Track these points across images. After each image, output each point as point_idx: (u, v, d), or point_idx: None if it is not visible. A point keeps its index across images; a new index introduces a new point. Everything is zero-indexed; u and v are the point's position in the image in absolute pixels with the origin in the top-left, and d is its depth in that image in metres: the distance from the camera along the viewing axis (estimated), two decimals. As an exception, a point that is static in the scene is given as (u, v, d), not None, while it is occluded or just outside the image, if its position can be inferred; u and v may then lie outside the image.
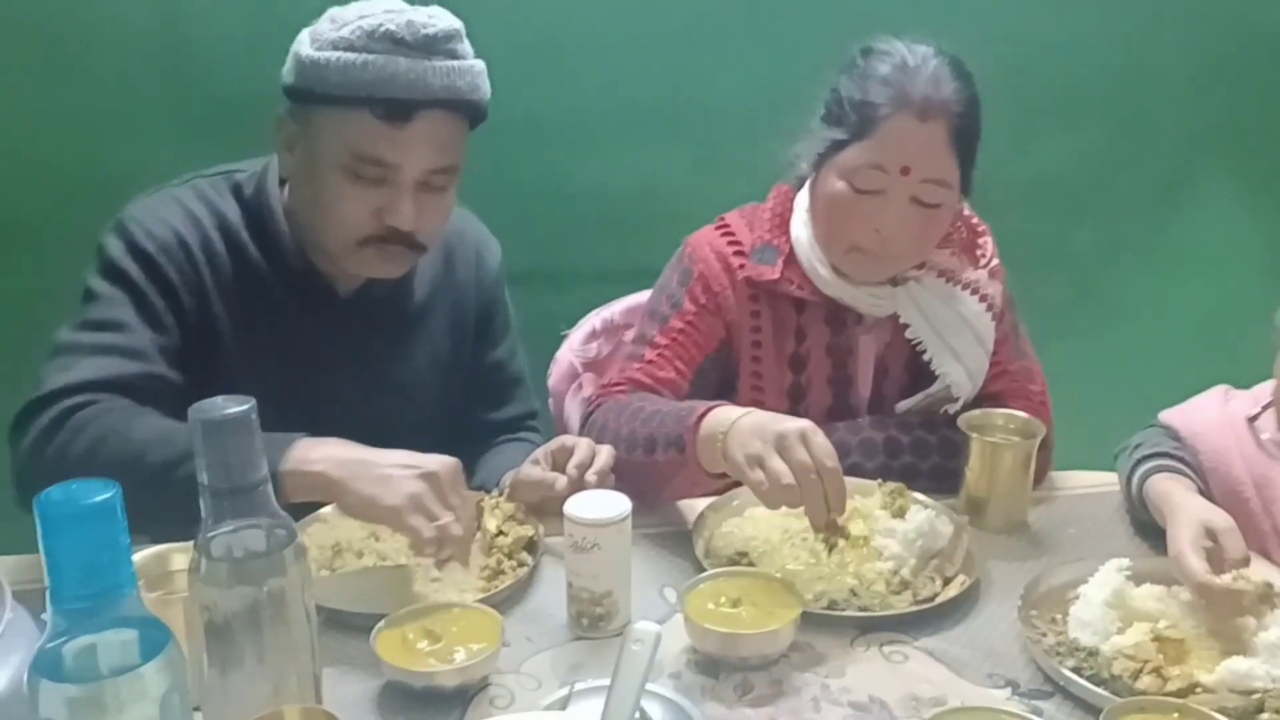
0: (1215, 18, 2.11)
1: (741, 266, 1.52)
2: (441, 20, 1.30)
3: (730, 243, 1.54)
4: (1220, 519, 1.16)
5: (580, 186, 2.02)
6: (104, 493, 0.70)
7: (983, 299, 1.50)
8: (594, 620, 1.16)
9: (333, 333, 1.47)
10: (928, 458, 1.47)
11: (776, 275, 1.50)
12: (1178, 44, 2.11)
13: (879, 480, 1.36)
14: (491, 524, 1.32)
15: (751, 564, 1.25)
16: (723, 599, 1.14)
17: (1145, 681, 1.02)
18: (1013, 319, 1.58)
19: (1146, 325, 2.19)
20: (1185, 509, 1.19)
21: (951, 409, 1.48)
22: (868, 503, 1.32)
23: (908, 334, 1.50)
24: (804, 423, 1.20)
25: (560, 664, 1.11)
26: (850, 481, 1.34)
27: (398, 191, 1.33)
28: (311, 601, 0.91)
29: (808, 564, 1.24)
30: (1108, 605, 1.11)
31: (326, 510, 1.33)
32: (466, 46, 1.33)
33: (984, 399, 1.51)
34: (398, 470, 1.18)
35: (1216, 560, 1.13)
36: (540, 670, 1.10)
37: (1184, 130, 2.17)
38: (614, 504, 1.15)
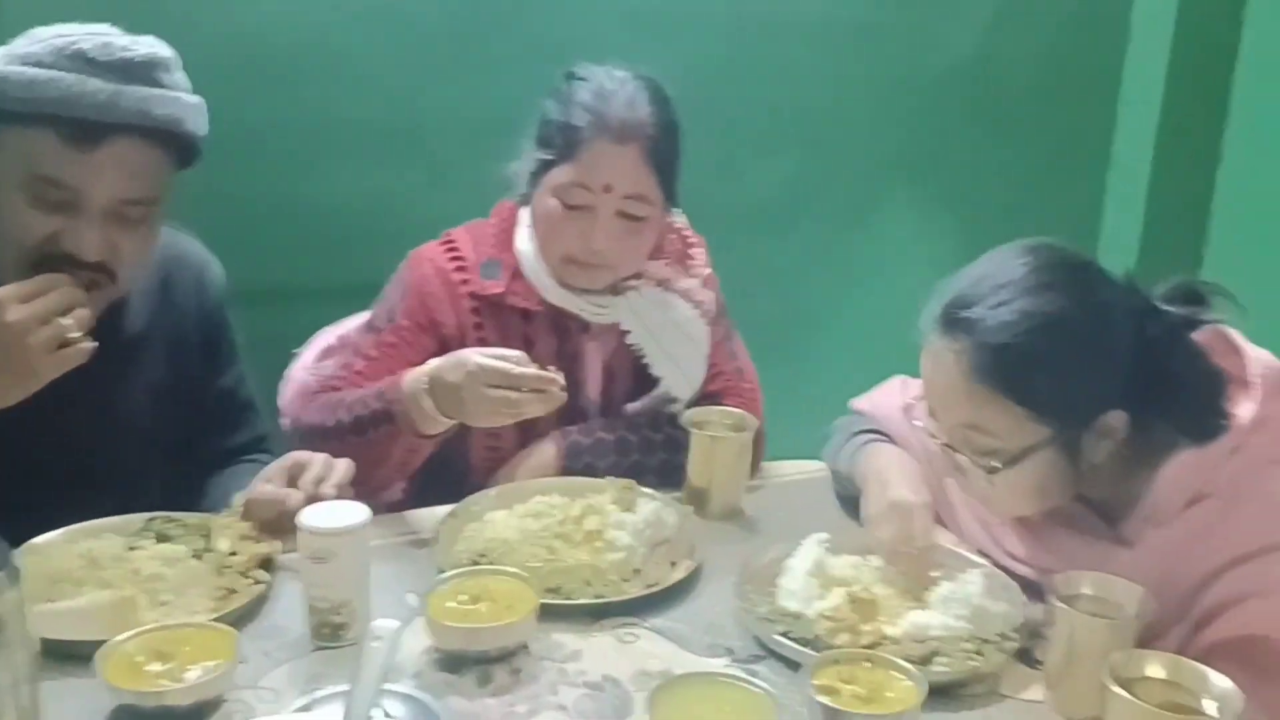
0: (892, 57, 2.38)
1: (464, 282, 1.57)
2: (146, 47, 1.28)
3: (454, 258, 1.59)
4: (909, 495, 1.32)
5: (309, 203, 2.01)
6: None
7: (696, 306, 1.62)
8: (334, 629, 1.16)
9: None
10: (654, 455, 1.57)
11: (501, 289, 1.56)
12: (862, 78, 2.36)
13: (609, 478, 1.45)
14: (224, 544, 1.29)
15: (491, 565, 1.30)
16: (463, 597, 1.18)
17: (842, 638, 1.15)
18: (726, 324, 1.71)
19: (841, 328, 2.43)
20: (881, 482, 1.35)
21: (674, 409, 1.60)
22: (600, 499, 1.40)
23: (628, 340, 1.60)
24: (475, 352, 1.35)
25: (299, 675, 1.12)
26: (583, 481, 1.46)
27: (82, 219, 1.28)
28: (28, 631, 0.88)
29: (545, 560, 1.30)
30: (809, 575, 1.24)
31: (40, 541, 1.26)
32: (176, 78, 1.32)
33: (704, 398, 1.63)
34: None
35: (907, 530, 1.28)
36: (279, 683, 1.10)
37: (869, 157, 2.42)
38: (350, 513, 1.17)
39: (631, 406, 1.62)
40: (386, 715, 0.97)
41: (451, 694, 1.09)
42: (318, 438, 1.46)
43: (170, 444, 1.55)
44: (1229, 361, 1.21)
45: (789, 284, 2.40)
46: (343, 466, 1.37)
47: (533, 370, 1.36)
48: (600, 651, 1.18)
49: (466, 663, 1.14)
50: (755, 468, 1.62)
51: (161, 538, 1.31)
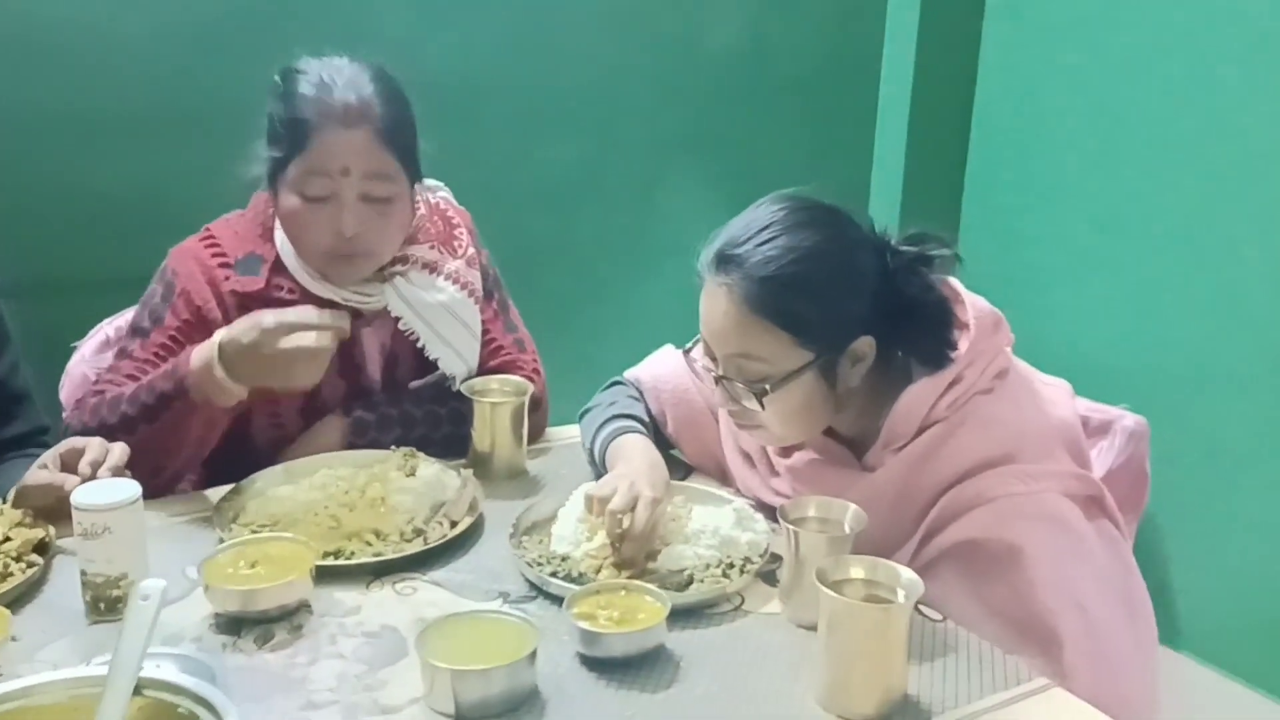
0: (670, 45, 2.50)
1: (228, 279, 1.58)
2: None
3: (215, 254, 1.60)
4: (646, 487, 1.34)
5: (84, 190, 1.97)
6: None
7: (463, 286, 1.67)
8: (110, 604, 1.19)
9: None
10: (440, 428, 1.63)
11: (262, 285, 1.58)
12: (642, 66, 2.48)
13: (404, 449, 1.50)
14: (-4, 532, 1.30)
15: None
16: (241, 563, 1.23)
17: (605, 573, 1.26)
18: (501, 298, 1.78)
19: (629, 301, 2.54)
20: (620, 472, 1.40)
21: (455, 385, 1.66)
22: (384, 467, 1.46)
23: (400, 325, 1.63)
24: (267, 311, 1.39)
25: (80, 647, 1.14)
26: (369, 453, 1.52)
27: None
28: None
29: (329, 528, 1.35)
30: (579, 520, 1.34)
31: None
32: None
33: (486, 372, 1.69)
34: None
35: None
36: (58, 655, 1.12)
37: (653, 139, 2.54)
38: (123, 489, 1.20)
39: (414, 384, 1.68)
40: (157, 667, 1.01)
41: (232, 653, 1.14)
42: (106, 436, 1.42)
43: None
44: (955, 308, 1.38)
45: (579, 260, 2.50)
46: (118, 450, 1.37)
47: (326, 314, 1.40)
48: (379, 605, 1.24)
49: (247, 624, 1.18)
50: (538, 433, 1.71)
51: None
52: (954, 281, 1.40)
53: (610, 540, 1.29)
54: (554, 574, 1.27)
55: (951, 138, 2.68)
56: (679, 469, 1.61)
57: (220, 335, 1.41)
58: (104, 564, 1.18)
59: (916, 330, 1.33)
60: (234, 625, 1.18)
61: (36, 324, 1.74)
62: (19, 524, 1.31)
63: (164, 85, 2.00)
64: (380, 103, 1.52)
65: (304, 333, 1.38)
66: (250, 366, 1.39)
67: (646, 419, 1.57)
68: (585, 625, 1.11)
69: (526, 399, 1.59)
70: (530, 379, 1.66)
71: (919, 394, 1.32)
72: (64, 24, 1.90)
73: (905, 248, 1.34)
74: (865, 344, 1.32)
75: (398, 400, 1.65)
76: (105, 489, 1.20)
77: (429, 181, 1.73)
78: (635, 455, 1.43)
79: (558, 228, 2.47)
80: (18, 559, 1.26)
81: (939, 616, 1.24)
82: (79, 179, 1.97)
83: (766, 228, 1.31)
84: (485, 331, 1.72)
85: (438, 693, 1.04)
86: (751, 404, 1.33)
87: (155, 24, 1.98)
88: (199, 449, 1.50)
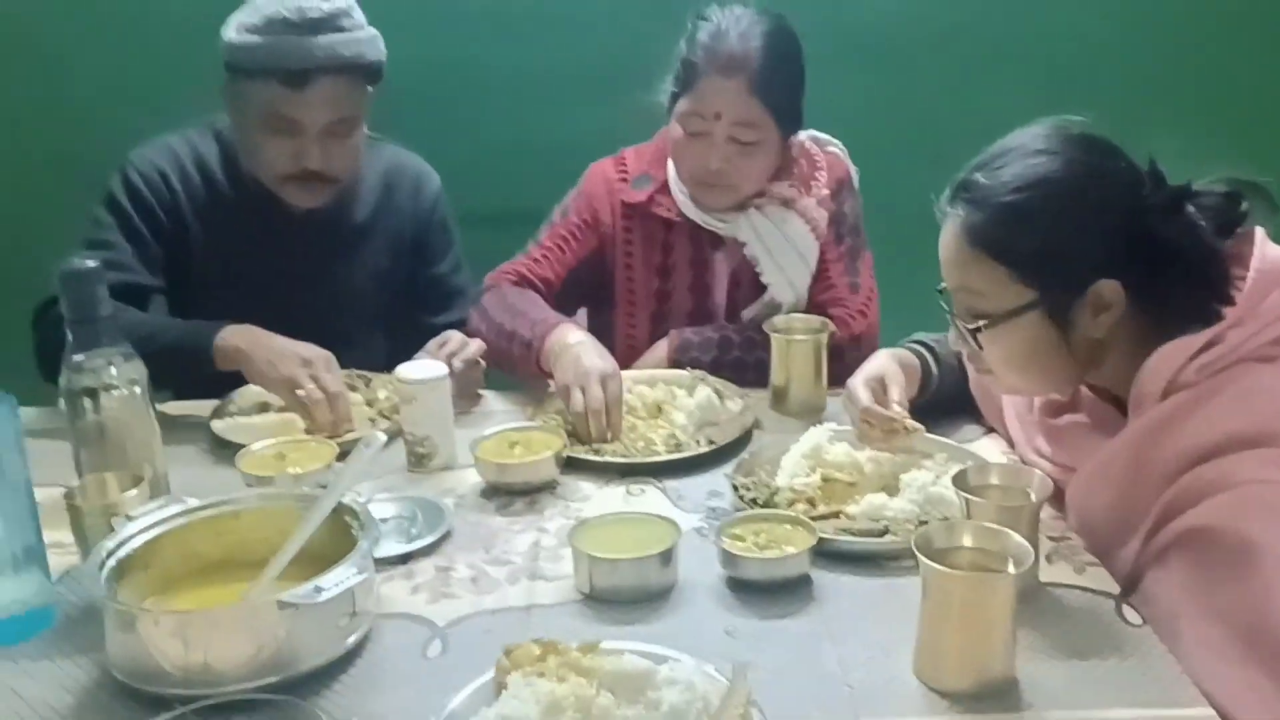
0: None
1: (622, 190, 1.84)
2: (331, 2, 1.66)
3: (619, 170, 1.86)
4: (891, 371, 1.39)
5: (547, 140, 2.34)
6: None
7: (808, 223, 1.76)
8: (419, 459, 1.49)
9: (285, 248, 1.85)
10: (754, 352, 1.73)
11: (644, 198, 1.81)
12: None
13: (696, 372, 1.66)
14: (382, 393, 1.69)
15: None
16: (506, 444, 1.46)
17: (798, 508, 1.28)
18: (853, 245, 1.82)
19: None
20: (869, 362, 1.44)
21: (782, 312, 1.75)
22: (674, 386, 1.62)
23: (745, 251, 1.77)
24: (606, 366, 1.53)
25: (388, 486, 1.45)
26: (675, 373, 1.67)
27: (305, 140, 1.70)
28: (152, 407, 1.28)
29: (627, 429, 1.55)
30: (804, 456, 1.36)
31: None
32: (354, 19, 1.69)
33: (813, 307, 1.76)
34: (286, 353, 1.56)
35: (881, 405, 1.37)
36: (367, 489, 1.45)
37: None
38: (433, 370, 1.49)
39: (746, 311, 1.80)
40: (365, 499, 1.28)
41: (474, 511, 1.37)
42: (478, 322, 1.78)
43: (389, 319, 1.97)
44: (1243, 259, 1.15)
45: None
46: (474, 346, 1.69)
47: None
48: (606, 498, 1.40)
49: (499, 494, 1.41)
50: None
51: (351, 387, 1.71)
52: (1259, 232, 1.16)
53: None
54: (753, 500, 1.32)
55: None
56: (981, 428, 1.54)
57: (570, 341, 1.59)
58: (412, 425, 1.49)
59: (1170, 278, 1.15)
60: (491, 491, 1.42)
61: (505, 245, 2.13)
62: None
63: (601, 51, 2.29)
64: (761, 56, 1.66)
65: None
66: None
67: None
68: (726, 544, 1.16)
69: (823, 337, 1.62)
70: (847, 320, 1.69)
71: (1168, 353, 1.14)
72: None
73: (1171, 184, 1.14)
74: (1109, 289, 1.17)
75: (723, 324, 1.80)
76: (423, 367, 1.50)
77: (818, 134, 1.85)
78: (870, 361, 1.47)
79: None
80: (385, 415, 1.64)
81: (1139, 621, 1.07)
82: (544, 131, 2.34)
83: (1003, 154, 1.22)
84: (824, 270, 1.78)
85: (580, 574, 1.17)
86: (980, 354, 1.24)
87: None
88: (525, 378, 1.73)
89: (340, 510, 1.15)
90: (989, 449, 1.47)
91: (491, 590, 1.19)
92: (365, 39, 1.70)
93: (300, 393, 1.54)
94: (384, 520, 1.30)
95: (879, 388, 1.40)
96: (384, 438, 1.25)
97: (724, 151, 1.69)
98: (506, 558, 1.26)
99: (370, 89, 1.76)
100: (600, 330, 1.78)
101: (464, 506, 1.39)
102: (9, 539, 1.11)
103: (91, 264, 1.21)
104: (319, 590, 0.99)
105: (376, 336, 1.95)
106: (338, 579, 1.00)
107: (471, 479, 1.45)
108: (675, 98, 1.72)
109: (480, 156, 2.33)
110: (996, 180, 1.19)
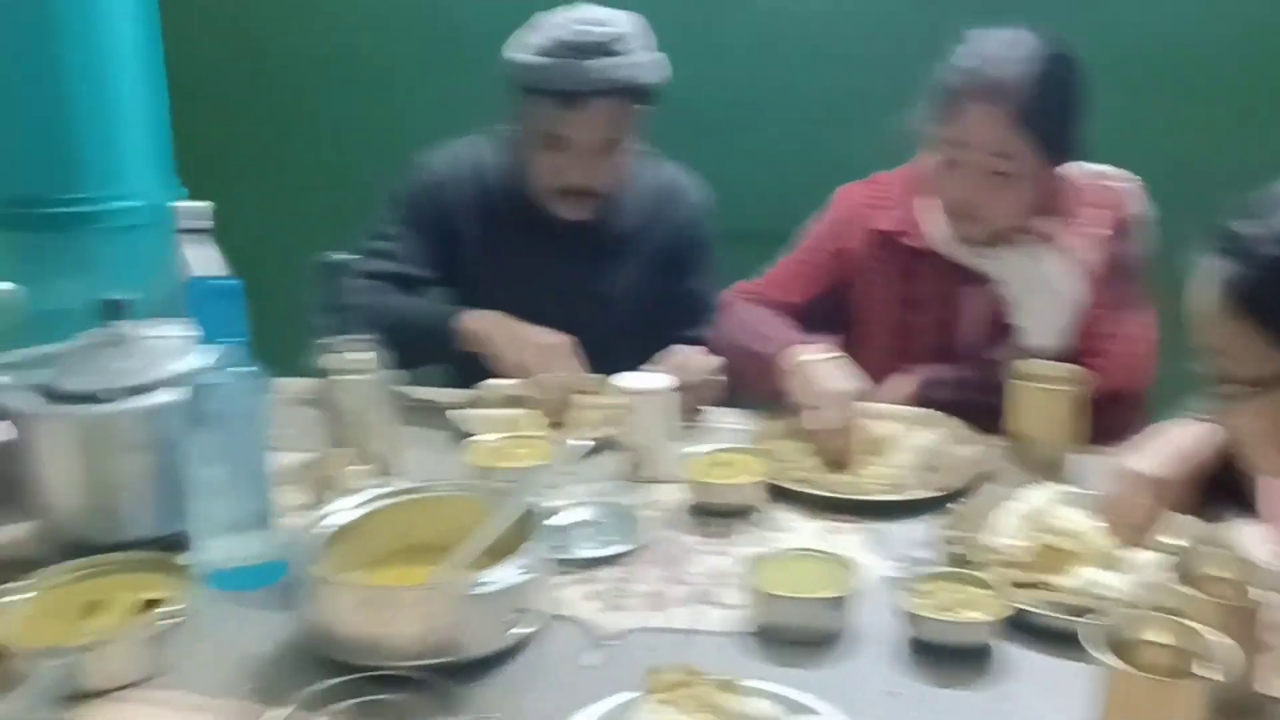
0: None
1: (872, 217, 1.78)
2: (609, 27, 1.73)
3: (872, 196, 1.81)
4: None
5: (809, 161, 2.31)
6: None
7: (1073, 263, 1.61)
8: (632, 468, 1.52)
9: (549, 254, 1.94)
10: (991, 396, 1.61)
11: (893, 226, 1.74)
12: None
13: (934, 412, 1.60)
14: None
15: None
16: (714, 464, 1.45)
17: (1003, 572, 1.18)
18: (1127, 289, 1.65)
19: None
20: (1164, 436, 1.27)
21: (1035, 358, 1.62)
22: (910, 423, 1.58)
23: (996, 289, 1.65)
24: (846, 387, 1.50)
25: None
26: (920, 411, 1.62)
27: (573, 156, 1.79)
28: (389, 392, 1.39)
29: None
30: (1023, 516, 1.26)
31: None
32: (630, 43, 1.75)
33: (1069, 356, 1.61)
34: (524, 338, 1.65)
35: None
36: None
37: None
38: (653, 382, 1.52)
39: (993, 352, 1.68)
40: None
41: (669, 526, 1.38)
42: (717, 338, 1.80)
43: (644, 330, 2.01)
44: None
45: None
46: (707, 361, 1.70)
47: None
48: (800, 531, 1.36)
49: (701, 512, 1.41)
50: (1123, 430, 1.56)
51: (587, 390, 1.75)
52: None
53: None
54: (960, 556, 1.23)
55: None
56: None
57: (803, 359, 1.58)
58: (628, 435, 1.52)
59: None
60: (693, 510, 1.42)
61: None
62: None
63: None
64: (1025, 82, 1.55)
65: None
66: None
67: None
68: (903, 599, 1.10)
69: (1074, 388, 1.48)
70: (1107, 373, 1.54)
71: None
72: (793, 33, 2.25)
73: None
74: None
75: (963, 364, 1.69)
76: (645, 379, 1.53)
77: (1102, 168, 1.72)
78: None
79: None
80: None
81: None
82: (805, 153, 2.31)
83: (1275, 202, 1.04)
84: (1091, 315, 1.65)
85: (753, 608, 1.15)
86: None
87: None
88: (762, 394, 1.73)
89: (535, 511, 1.19)
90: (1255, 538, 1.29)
91: (662, 609, 1.19)
92: (641, 63, 1.76)
93: (529, 379, 1.63)
94: (581, 525, 1.34)
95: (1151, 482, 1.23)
96: (590, 444, 1.28)
97: (977, 181, 1.60)
98: (687, 578, 1.26)
99: (643, 108, 1.81)
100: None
101: (662, 521, 1.40)
102: (249, 498, 1.24)
103: (344, 257, 1.34)
104: (479, 583, 1.03)
105: (631, 346, 2.00)
106: (499, 576, 1.04)
107: (678, 494, 1.46)
108: (932, 123, 1.64)
109: (746, 174, 2.35)
110: (1260, 230, 1.03)
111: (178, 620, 1.09)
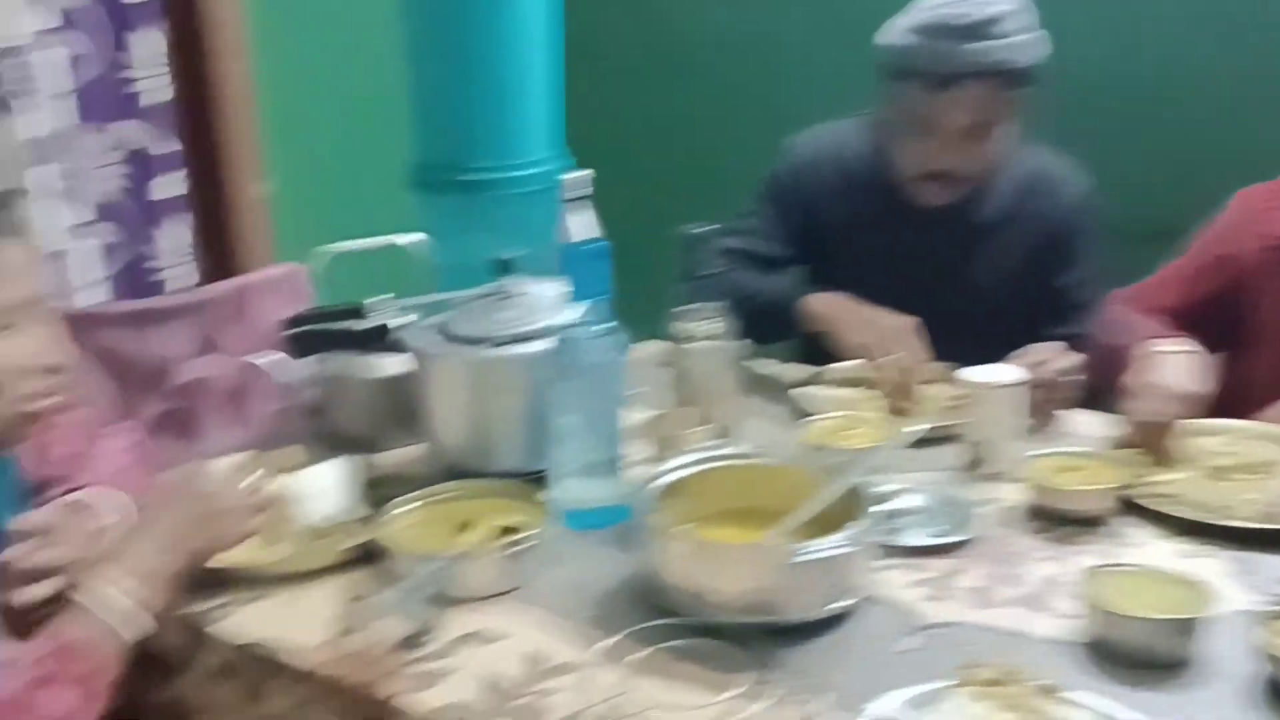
0: None
1: (1272, 222, 1.61)
2: (986, 9, 1.67)
3: (1274, 198, 1.63)
4: None
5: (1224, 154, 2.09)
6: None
7: None
8: (971, 461, 1.48)
9: (912, 238, 1.90)
10: None
11: None
12: None
13: None
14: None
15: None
16: (1061, 468, 1.39)
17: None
18: None
19: None
20: None
21: None
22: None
23: None
24: (1168, 382, 1.41)
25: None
26: None
27: (940, 140, 1.75)
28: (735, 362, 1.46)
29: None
30: None
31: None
32: (1009, 24, 1.68)
33: None
34: (868, 320, 1.66)
35: None
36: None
37: None
38: (1003, 376, 1.47)
39: None
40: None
41: (1005, 524, 1.34)
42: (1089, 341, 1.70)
43: (1002, 322, 1.93)
44: None
45: None
46: (1068, 361, 1.60)
47: None
48: (1157, 552, 1.26)
49: (1040, 515, 1.35)
50: None
51: (937, 379, 1.73)
52: None
53: None
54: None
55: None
56: None
57: (1156, 364, 1.46)
58: (971, 428, 1.48)
59: None
60: (1032, 513, 1.36)
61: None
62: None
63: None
64: None
65: None
66: None
67: None
68: (1259, 635, 1.00)
69: None
70: None
71: None
72: None
73: None
74: None
75: None
76: (995, 373, 1.48)
77: None
78: None
79: None
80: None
81: None
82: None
83: None
84: None
85: (1089, 621, 1.09)
86: None
87: None
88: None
89: (863, 490, 1.20)
90: None
91: (988, 606, 1.16)
92: (1017, 45, 1.69)
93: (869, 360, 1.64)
94: (912, 511, 1.33)
95: None
96: (924, 428, 1.27)
97: None
98: (1019, 579, 1.22)
99: (1018, 91, 1.74)
100: (1222, 373, 1.58)
101: (999, 519, 1.36)
102: (601, 446, 1.35)
103: (705, 230, 1.41)
104: (803, 551, 1.07)
105: (987, 339, 1.92)
106: (817, 548, 1.07)
107: (1017, 494, 1.40)
108: None
109: (1148, 165, 2.18)
110: None
111: (532, 545, 1.22)
